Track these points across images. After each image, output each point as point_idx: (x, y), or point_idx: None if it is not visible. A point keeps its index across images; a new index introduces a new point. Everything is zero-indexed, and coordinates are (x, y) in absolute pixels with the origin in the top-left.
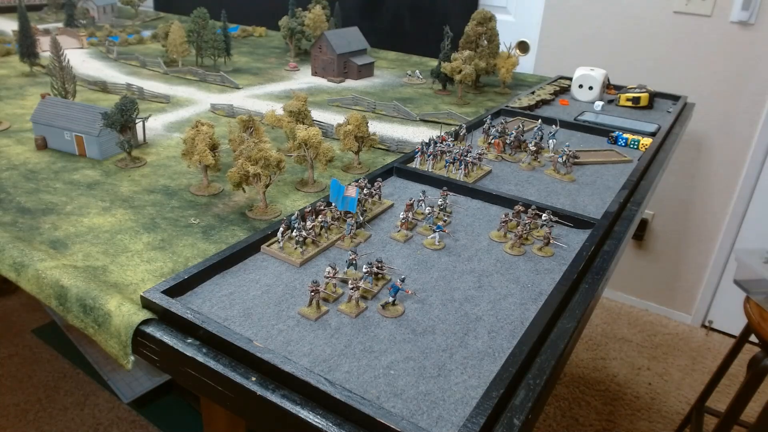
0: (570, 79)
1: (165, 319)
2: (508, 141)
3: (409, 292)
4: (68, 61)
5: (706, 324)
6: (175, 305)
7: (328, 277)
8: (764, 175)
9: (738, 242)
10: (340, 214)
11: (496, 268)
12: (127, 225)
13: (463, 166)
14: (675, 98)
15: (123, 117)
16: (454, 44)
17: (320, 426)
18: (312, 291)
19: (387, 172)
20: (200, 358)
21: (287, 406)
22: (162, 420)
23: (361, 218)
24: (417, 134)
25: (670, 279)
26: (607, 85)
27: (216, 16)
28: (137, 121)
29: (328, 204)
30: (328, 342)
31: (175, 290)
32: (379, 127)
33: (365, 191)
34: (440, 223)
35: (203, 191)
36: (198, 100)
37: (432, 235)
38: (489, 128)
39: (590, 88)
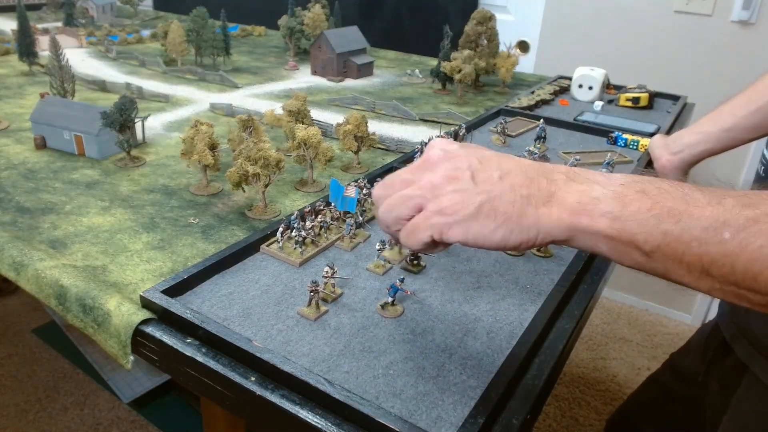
0: (570, 78)
1: (164, 319)
2: None
3: (408, 292)
4: (67, 60)
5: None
6: (174, 305)
7: (326, 277)
8: None
9: None
10: (340, 214)
11: (495, 269)
12: (127, 224)
13: None
14: (675, 98)
15: (122, 116)
16: (454, 44)
17: (319, 426)
18: (311, 291)
19: (387, 172)
20: (200, 357)
21: (286, 406)
22: (162, 420)
23: (361, 218)
24: (417, 134)
25: None
26: (607, 85)
27: (215, 15)
28: (136, 120)
29: (328, 204)
30: (328, 342)
31: (175, 290)
32: (378, 127)
33: (365, 191)
34: None
35: (203, 191)
36: (197, 99)
37: None
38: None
39: (590, 88)
